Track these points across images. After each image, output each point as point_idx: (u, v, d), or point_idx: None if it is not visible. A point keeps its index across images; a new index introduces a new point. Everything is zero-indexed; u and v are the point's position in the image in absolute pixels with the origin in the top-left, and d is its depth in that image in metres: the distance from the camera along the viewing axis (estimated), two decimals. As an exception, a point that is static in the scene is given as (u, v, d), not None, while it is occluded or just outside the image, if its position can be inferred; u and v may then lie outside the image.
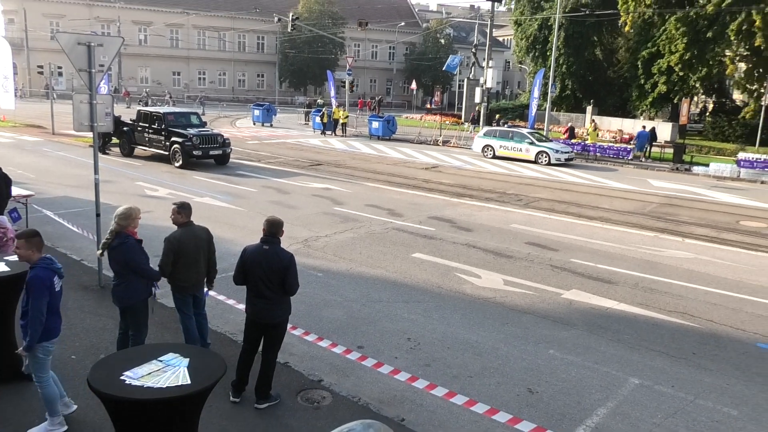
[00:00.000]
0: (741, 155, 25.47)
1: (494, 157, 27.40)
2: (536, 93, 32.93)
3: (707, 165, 25.89)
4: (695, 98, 44.17)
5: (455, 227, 14.12)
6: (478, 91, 36.70)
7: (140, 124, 22.76)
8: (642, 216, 16.40)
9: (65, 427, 5.36)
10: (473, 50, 43.50)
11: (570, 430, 6.00)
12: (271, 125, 40.62)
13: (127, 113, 28.21)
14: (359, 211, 15.33)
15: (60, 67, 50.38)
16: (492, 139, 27.96)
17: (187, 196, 15.35)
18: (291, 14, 42.11)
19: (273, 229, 5.88)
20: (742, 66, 35.42)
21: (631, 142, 30.13)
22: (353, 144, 31.77)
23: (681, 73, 34.71)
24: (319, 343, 7.50)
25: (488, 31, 36.72)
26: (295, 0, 65.97)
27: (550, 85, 33.34)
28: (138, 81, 64.41)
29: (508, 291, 9.89)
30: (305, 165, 23.35)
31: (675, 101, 37.85)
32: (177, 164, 21.05)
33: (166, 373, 4.43)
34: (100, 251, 6.16)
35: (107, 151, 23.57)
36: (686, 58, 33.97)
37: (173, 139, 21.25)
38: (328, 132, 36.15)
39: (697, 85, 35.49)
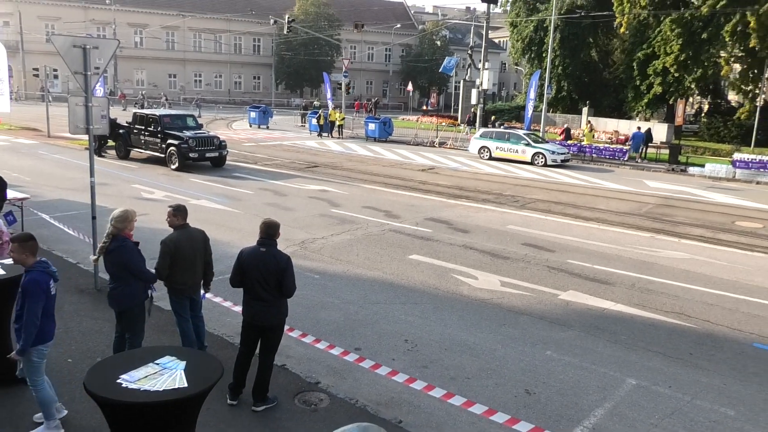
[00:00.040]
0: (736, 156, 25.55)
1: (491, 158, 27.44)
2: (532, 94, 32.99)
3: (703, 166, 25.97)
4: (690, 99, 44.32)
5: (452, 229, 14.12)
6: (474, 92, 36.77)
7: (136, 126, 22.73)
8: (638, 217, 16.44)
9: (62, 431, 5.33)
10: (469, 52, 43.64)
11: (567, 431, 6.00)
12: (268, 127, 40.58)
13: (123, 116, 28.17)
14: (356, 212, 15.33)
15: (55, 70, 50.43)
16: (488, 140, 28.00)
17: (184, 199, 15.33)
18: (287, 16, 42.14)
19: (270, 231, 5.88)
20: (737, 67, 35.58)
21: (627, 143, 30.19)
22: (350, 146, 31.77)
23: (676, 74, 34.82)
24: (317, 345, 7.49)
25: (484, 32, 36.80)
26: (291, 2, 65.98)
27: (546, 86, 33.40)
28: (134, 83, 64.31)
29: (505, 292, 9.89)
30: (302, 167, 23.34)
31: (670, 102, 37.97)
32: (173, 167, 21.02)
33: (163, 376, 4.42)
34: (97, 256, 6.10)
35: (103, 154, 23.52)
36: (681, 59, 34.08)
37: (169, 141, 21.22)
38: (325, 134, 36.15)
39: (693, 86, 35.60)
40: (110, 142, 23.89)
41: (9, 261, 6.02)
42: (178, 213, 6.52)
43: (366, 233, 13.33)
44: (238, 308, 6.46)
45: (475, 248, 12.46)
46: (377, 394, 6.52)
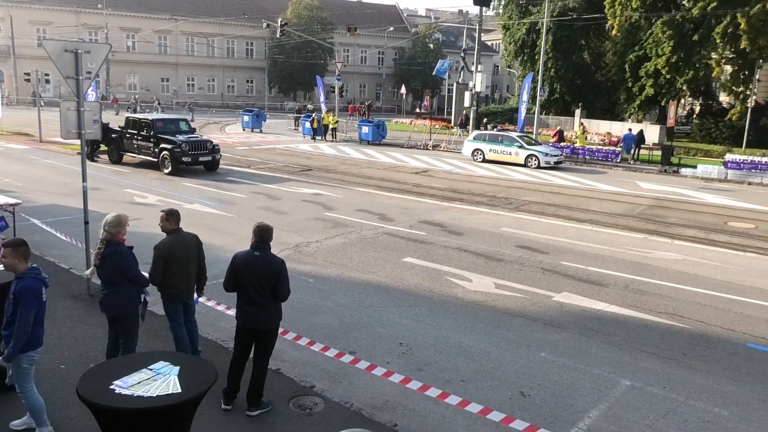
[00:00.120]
0: (728, 157, 25.69)
1: (484, 160, 27.49)
2: (525, 97, 33.09)
3: (695, 167, 26.11)
4: (682, 101, 44.50)
5: (446, 231, 14.13)
6: (467, 95, 36.85)
7: (129, 130, 22.65)
8: (631, 218, 16.50)
9: (54, 438, 5.30)
10: (462, 55, 43.73)
11: (562, 432, 6.01)
12: (261, 131, 40.53)
13: (116, 120, 28.08)
14: (350, 216, 15.32)
15: (47, 75, 50.21)
16: (482, 143, 28.05)
17: (177, 203, 15.29)
18: (280, 20, 42.12)
19: (264, 235, 5.87)
20: (728, 69, 35.74)
21: (619, 145, 30.32)
22: (343, 149, 31.76)
23: (668, 76, 34.99)
24: (311, 349, 7.47)
25: (477, 35, 36.89)
26: (284, 5, 66.00)
27: (538, 88, 33.52)
28: (126, 88, 64.13)
29: (499, 294, 9.90)
30: (295, 170, 23.32)
31: (662, 104, 38.14)
32: (166, 171, 20.96)
33: (157, 381, 4.40)
34: (93, 265, 6.01)
35: (96, 159, 23.44)
36: (673, 61, 34.26)
37: (162, 145, 21.16)
38: (318, 137, 36.13)
39: (684, 87, 35.77)
40: (103, 147, 23.80)
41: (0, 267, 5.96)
42: (171, 217, 6.50)
43: (360, 236, 13.32)
44: (232, 312, 6.44)
45: (469, 250, 12.47)
46: (372, 398, 6.51)
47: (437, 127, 41.79)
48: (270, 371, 6.30)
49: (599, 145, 33.11)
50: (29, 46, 54.81)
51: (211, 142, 22.32)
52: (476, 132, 30.61)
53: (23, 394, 5.17)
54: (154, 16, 63.76)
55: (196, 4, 67.47)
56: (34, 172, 20.43)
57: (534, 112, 34.19)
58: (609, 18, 36.43)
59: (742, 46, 31.80)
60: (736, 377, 7.29)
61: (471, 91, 36.21)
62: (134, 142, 22.40)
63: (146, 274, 6.27)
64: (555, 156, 26.58)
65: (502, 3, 45.65)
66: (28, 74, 35.99)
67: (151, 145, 21.61)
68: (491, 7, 44.09)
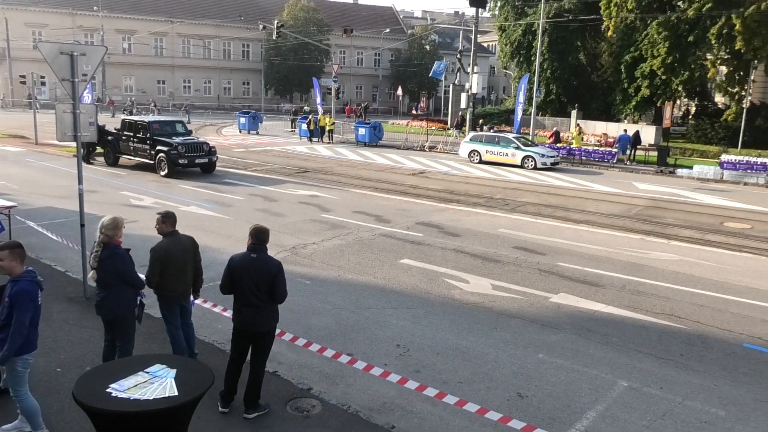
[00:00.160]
0: (724, 157, 25.76)
1: (481, 162, 27.51)
2: (521, 98, 33.13)
3: (691, 167, 26.17)
4: (678, 101, 44.58)
5: (443, 232, 14.13)
6: (463, 96, 36.88)
7: (125, 133, 22.60)
8: (628, 219, 16.53)
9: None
10: (458, 56, 43.80)
11: (560, 433, 6.00)
12: (257, 133, 40.51)
13: (112, 122, 28.02)
14: (347, 217, 15.31)
15: (43, 77, 50.06)
16: (478, 144, 28.08)
17: (173, 205, 15.25)
18: (276, 22, 42.11)
19: (261, 237, 5.86)
20: (723, 69, 35.83)
21: (615, 146, 30.39)
22: (340, 151, 31.76)
23: (663, 77, 35.07)
24: (308, 351, 7.45)
25: (473, 36, 36.95)
26: (280, 7, 66.00)
27: (534, 89, 33.56)
28: (122, 90, 64.02)
29: (496, 296, 9.90)
30: (292, 172, 23.30)
31: (658, 105, 38.23)
32: (162, 173, 20.92)
33: (153, 384, 4.39)
34: (93, 270, 5.97)
35: (92, 161, 23.37)
36: (668, 62, 34.34)
37: (158, 147, 21.12)
38: (315, 139, 36.12)
39: (680, 88, 35.85)
40: (99, 149, 23.75)
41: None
42: (167, 220, 6.48)
43: (357, 238, 13.31)
44: (229, 314, 6.43)
45: (466, 252, 12.48)
46: (370, 400, 6.50)
47: (434, 128, 41.83)
48: (267, 373, 6.29)
49: (595, 146, 33.18)
50: (25, 48, 54.70)
51: (208, 144, 22.30)
52: (473, 133, 30.64)
53: (17, 397, 5.15)
54: (150, 18, 63.71)
55: (192, 6, 67.42)
56: (29, 175, 20.37)
57: (530, 114, 34.24)
58: (604, 19, 36.49)
59: (737, 47, 31.89)
60: (733, 377, 7.30)
61: (467, 92, 36.23)
62: (130, 144, 22.36)
63: (143, 277, 6.26)
64: (551, 157, 26.61)
65: (498, 4, 45.69)
66: (23, 77, 35.90)
67: (148, 147, 21.57)
68: (487, 8, 44.16)
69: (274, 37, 43.80)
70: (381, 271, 10.98)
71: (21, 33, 57.24)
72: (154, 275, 6.31)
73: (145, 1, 65.08)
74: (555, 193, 20.46)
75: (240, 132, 40.90)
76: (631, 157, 29.56)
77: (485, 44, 79.23)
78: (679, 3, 34.30)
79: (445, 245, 12.95)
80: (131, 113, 43.77)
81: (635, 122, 39.74)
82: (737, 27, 31.11)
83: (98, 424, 4.24)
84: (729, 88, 34.72)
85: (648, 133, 34.72)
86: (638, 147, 30.07)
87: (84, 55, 8.48)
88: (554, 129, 34.30)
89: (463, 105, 37.36)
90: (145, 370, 4.58)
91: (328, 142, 35.74)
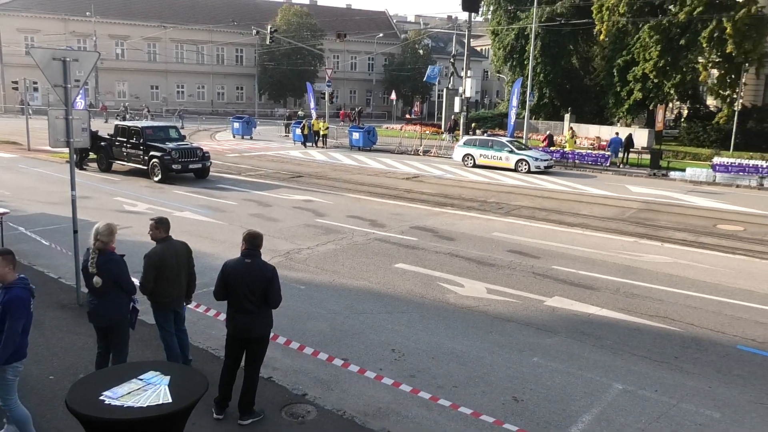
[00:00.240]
0: (716, 160, 25.89)
1: (475, 166, 27.56)
2: (515, 102, 33.23)
3: (684, 170, 26.29)
4: (670, 104, 44.85)
5: (437, 237, 14.14)
6: (457, 100, 36.93)
7: (118, 138, 22.54)
8: (621, 222, 16.57)
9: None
10: (451, 60, 43.82)
11: (556, 437, 6.00)
12: (251, 138, 40.47)
13: (105, 128, 27.93)
14: (341, 222, 15.30)
15: (35, 83, 49.91)
16: (472, 148, 28.12)
17: (167, 211, 15.21)
18: (269, 27, 42.19)
19: (255, 242, 5.85)
20: (715, 72, 36.07)
21: (607, 149, 30.50)
22: (334, 155, 31.76)
23: (656, 80, 35.26)
24: (303, 356, 7.43)
25: (466, 41, 37.05)
26: (274, 12, 66.04)
27: (528, 93, 33.70)
28: (115, 95, 63.85)
29: (491, 299, 9.91)
30: (286, 177, 23.28)
31: (650, 108, 38.42)
32: (156, 179, 20.86)
33: (147, 391, 4.36)
34: (94, 274, 5.90)
35: (85, 167, 23.29)
36: (660, 65, 34.54)
37: (152, 153, 21.06)
38: (309, 144, 36.10)
39: (672, 91, 36.06)
40: (92, 155, 23.67)
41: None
42: (161, 225, 6.46)
43: (351, 242, 13.30)
44: (223, 319, 6.39)
45: (460, 256, 12.48)
46: (365, 405, 6.48)
47: (428, 132, 41.86)
48: (262, 379, 6.26)
49: (589, 149, 33.28)
50: (17, 54, 54.52)
51: (201, 149, 22.25)
52: (466, 137, 30.70)
53: (7, 406, 5.10)
54: (143, 23, 63.60)
55: (185, 12, 67.36)
56: (22, 181, 20.27)
57: (524, 117, 34.34)
58: (597, 23, 36.71)
59: (728, 50, 32.14)
60: (727, 379, 7.32)
61: (461, 96, 36.30)
62: (124, 150, 22.29)
63: (137, 283, 6.23)
64: (545, 160, 26.68)
65: (491, 9, 45.87)
66: (15, 82, 35.81)
67: (141, 152, 21.51)
68: (480, 12, 44.33)
69: (267, 42, 43.90)
70: (376, 276, 10.97)
71: (13, 38, 57.07)
72: (149, 281, 6.28)
73: (138, 7, 65.01)
74: (549, 196, 20.50)
75: (234, 137, 40.83)
76: (624, 160, 29.68)
77: (478, 48, 79.47)
78: (671, 7, 34.50)
79: (440, 249, 12.95)
80: (124, 119, 43.66)
81: (628, 125, 39.91)
82: (728, 30, 31.37)
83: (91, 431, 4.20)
84: (720, 91, 34.96)
85: (641, 136, 34.86)
86: (631, 150, 30.19)
87: (76, 60, 8.45)
88: (548, 132, 34.38)
89: (456, 109, 37.41)
90: (139, 377, 4.54)
91: (322, 147, 35.73)
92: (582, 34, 41.88)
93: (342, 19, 66.59)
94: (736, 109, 32.30)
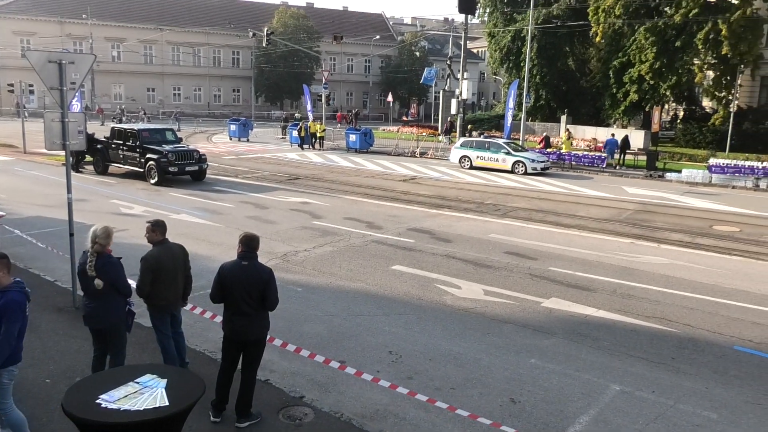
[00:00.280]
0: (712, 161, 25.97)
1: (471, 167, 27.58)
2: (511, 103, 33.27)
3: (680, 171, 26.36)
4: (666, 106, 44.91)
5: (434, 238, 14.14)
6: (454, 102, 37.01)
7: (114, 141, 22.50)
8: (618, 223, 16.60)
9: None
10: (448, 62, 43.94)
11: (553, 439, 6.00)
12: (248, 140, 40.45)
13: (101, 130, 27.89)
14: (338, 224, 15.29)
15: (31, 85, 49.77)
16: (469, 149, 28.16)
17: (163, 213, 15.19)
18: (266, 29, 42.18)
19: (251, 244, 5.85)
20: (711, 74, 36.20)
21: (603, 150, 30.58)
22: (331, 157, 31.76)
23: (651, 82, 35.37)
24: (300, 358, 7.42)
25: (462, 43, 37.13)
26: (270, 14, 66.04)
27: (524, 95, 33.72)
28: (112, 98, 63.75)
29: (488, 301, 9.91)
30: (283, 179, 23.27)
31: (647, 109, 38.53)
32: (152, 181, 20.82)
33: (144, 395, 4.35)
34: (95, 278, 5.90)
35: (81, 170, 23.24)
36: (656, 67, 34.65)
37: (148, 155, 21.03)
38: (306, 146, 36.10)
39: (668, 93, 36.17)
40: (88, 158, 23.62)
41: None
42: (157, 228, 6.45)
43: (348, 245, 13.29)
44: (221, 321, 6.38)
45: (457, 257, 12.49)
46: (362, 407, 6.47)
47: (424, 134, 41.91)
48: (259, 382, 6.25)
49: (585, 150, 33.35)
50: (13, 56, 54.38)
51: (198, 151, 22.23)
52: (463, 139, 30.74)
53: (2, 410, 5.08)
54: (139, 25, 63.54)
55: (181, 14, 67.35)
56: (18, 184, 20.22)
57: (520, 119, 34.39)
58: (593, 25, 36.79)
59: (723, 52, 32.26)
60: (724, 380, 7.33)
61: (458, 98, 36.37)
62: (120, 152, 22.25)
63: (133, 285, 6.22)
64: (542, 162, 26.72)
65: (487, 11, 45.92)
66: (11, 85, 35.68)
67: (137, 155, 21.47)
68: (476, 15, 44.40)
69: (264, 45, 43.81)
70: (373, 278, 10.96)
71: (9, 41, 56.96)
72: (146, 284, 6.27)
73: (134, 9, 64.97)
74: (546, 198, 20.53)
75: (230, 139, 40.81)
76: (621, 162, 29.75)
77: (475, 50, 79.59)
78: (666, 9, 34.63)
79: (437, 251, 12.96)
80: (121, 121, 43.61)
81: (624, 127, 40.00)
82: (723, 32, 31.49)
83: (88, 435, 4.19)
84: (716, 93, 35.08)
85: (637, 138, 34.97)
86: (627, 151, 30.26)
87: (72, 63, 8.44)
88: (544, 134, 34.43)
89: (453, 111, 37.49)
90: (136, 380, 4.53)
91: (319, 149, 35.73)
92: (578, 36, 41.98)
93: (338, 21, 66.58)
94: (731, 110, 32.42)
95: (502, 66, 46.23)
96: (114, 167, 22.99)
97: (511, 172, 26.36)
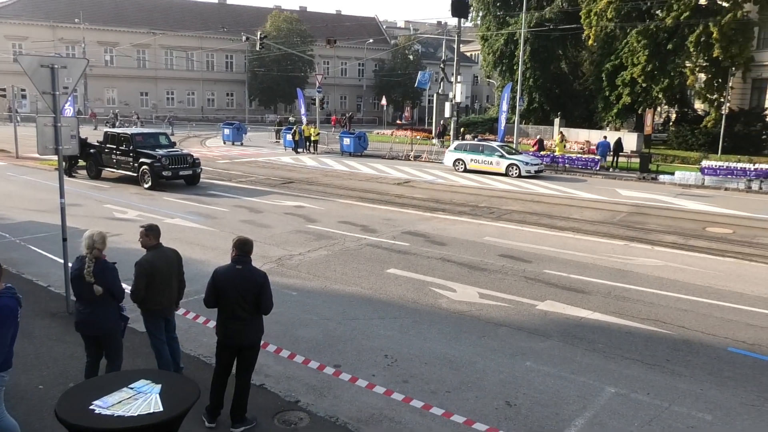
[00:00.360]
0: (704, 163, 26.09)
1: (465, 170, 27.62)
2: (505, 106, 33.36)
3: (673, 173, 26.47)
4: (659, 108, 45.14)
5: (429, 241, 14.14)
6: (447, 105, 37.08)
7: (108, 145, 22.43)
8: (612, 225, 16.65)
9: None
10: (441, 66, 44.01)
11: (549, 441, 6.00)
12: (242, 144, 40.40)
13: (94, 135, 27.79)
14: (333, 228, 15.28)
15: (23, 90, 49.46)
16: (463, 153, 28.20)
17: (157, 218, 15.13)
18: (259, 33, 42.12)
19: (245, 248, 5.83)
20: (702, 76, 36.41)
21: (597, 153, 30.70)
22: (325, 161, 31.74)
23: (644, 85, 35.54)
24: (295, 363, 7.40)
25: (456, 46, 37.21)
26: (263, 18, 66.04)
27: (518, 98, 33.81)
28: (105, 102, 63.58)
29: (483, 304, 9.91)
30: (277, 183, 23.23)
31: (639, 112, 38.71)
32: (146, 185, 20.76)
33: (138, 400, 4.32)
34: (96, 285, 5.87)
35: (74, 174, 23.15)
36: (648, 69, 34.82)
37: (142, 160, 20.96)
38: (300, 150, 36.08)
39: (660, 95, 36.34)
40: (81, 162, 23.53)
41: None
42: (151, 233, 6.42)
43: (343, 248, 13.28)
44: (214, 326, 6.36)
45: (452, 261, 12.49)
46: (358, 411, 6.46)
47: (418, 137, 41.97)
48: (254, 386, 6.22)
49: (578, 153, 33.46)
50: (5, 61, 54.14)
51: (192, 155, 22.18)
52: (457, 142, 30.79)
53: (-6, 416, 5.04)
54: (132, 29, 63.43)
55: (174, 18, 67.27)
56: (10, 189, 20.11)
57: (514, 122, 34.46)
58: (585, 28, 36.96)
59: (714, 55, 32.46)
60: (718, 382, 7.35)
61: (451, 101, 36.43)
62: (113, 156, 22.18)
63: (128, 290, 6.20)
64: (535, 165, 26.79)
65: (480, 14, 46.08)
66: (3, 90, 35.47)
67: (131, 159, 21.40)
68: (469, 18, 44.47)
69: (257, 48, 43.88)
70: (368, 282, 10.95)
71: (1, 45, 56.78)
72: (140, 289, 6.23)
73: (127, 13, 64.86)
74: (540, 200, 20.58)
75: (224, 143, 40.74)
76: (614, 164, 29.86)
77: (468, 54, 79.82)
78: (658, 12, 34.84)
79: (432, 254, 12.96)
80: (114, 125, 43.45)
81: (617, 129, 40.18)
82: (715, 35, 31.69)
83: (82, 442, 4.16)
84: (708, 95, 35.28)
85: (630, 140, 35.11)
86: (621, 154, 30.38)
87: (65, 67, 8.41)
88: (538, 137, 34.55)
89: (447, 114, 37.54)
90: (130, 385, 4.51)
91: (313, 153, 35.72)
92: (571, 39, 42.18)
93: (332, 25, 66.64)
94: (723, 112, 32.60)
95: (495, 69, 46.37)
96: (107, 172, 22.92)
97: (505, 175, 26.42)
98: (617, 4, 34.83)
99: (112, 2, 65.29)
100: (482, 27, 46.78)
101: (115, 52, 63.67)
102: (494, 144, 28.70)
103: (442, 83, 45.40)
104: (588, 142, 36.83)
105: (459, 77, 36.35)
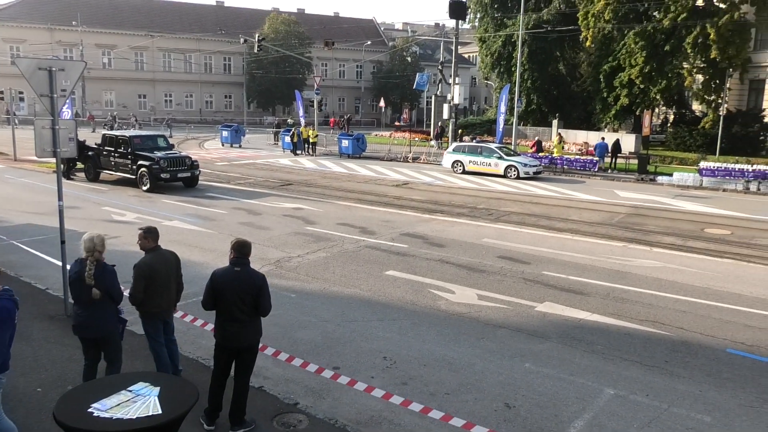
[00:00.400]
0: (702, 164, 26.12)
1: (464, 172, 27.63)
2: (503, 108, 33.40)
3: (671, 175, 26.50)
4: (656, 110, 45.17)
5: (428, 243, 14.14)
6: (445, 107, 37.10)
7: (106, 148, 22.40)
8: (610, 227, 16.66)
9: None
10: (439, 67, 44.04)
11: (548, 443, 6.00)
12: (240, 146, 40.39)
13: (93, 137, 27.78)
14: (331, 230, 15.27)
15: (21, 92, 49.57)
16: (461, 154, 28.21)
17: (156, 220, 15.12)
18: (257, 35, 42.16)
19: (244, 250, 5.82)
20: (700, 78, 36.47)
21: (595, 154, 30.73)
22: (323, 163, 31.74)
23: (642, 86, 35.59)
24: (294, 365, 7.40)
25: (454, 48, 37.26)
26: (261, 21, 66.08)
27: (516, 100, 33.86)
28: (103, 104, 63.56)
29: (482, 306, 9.91)
30: (275, 185, 23.23)
31: (637, 113, 38.74)
32: (144, 188, 20.74)
33: (136, 403, 4.32)
34: (94, 288, 5.86)
35: (72, 177, 23.13)
36: (646, 71, 34.88)
37: (140, 162, 20.95)
38: (298, 151, 36.10)
39: (658, 97, 36.40)
40: (79, 165, 23.52)
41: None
42: (149, 235, 6.41)
43: (342, 250, 13.27)
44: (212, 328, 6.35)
45: (451, 262, 12.49)
46: (357, 413, 6.45)
47: (417, 139, 42.00)
48: (252, 389, 6.22)
49: (577, 154, 33.49)
50: (2, 63, 54.07)
51: (190, 158, 22.17)
52: (456, 144, 30.81)
53: (-8, 419, 5.03)
54: (130, 32, 63.44)
55: (172, 20, 67.29)
56: (8, 192, 20.09)
57: (512, 123, 34.51)
58: (583, 30, 37.00)
59: (712, 56, 32.52)
60: (717, 383, 7.35)
61: (449, 103, 36.47)
62: (111, 159, 22.16)
63: (126, 293, 6.19)
64: (534, 166, 26.81)
65: (478, 16, 46.13)
66: (1, 92, 35.51)
67: (129, 162, 21.39)
68: (467, 20, 44.53)
69: (255, 51, 43.86)
70: (366, 284, 10.95)
71: (-1, 48, 56.73)
72: (139, 292, 6.23)
73: (124, 16, 64.87)
74: (538, 202, 20.59)
75: (222, 145, 40.73)
76: (612, 166, 29.89)
77: (466, 55, 79.90)
78: (655, 13, 34.90)
79: (430, 256, 12.96)
80: (112, 128, 43.44)
81: (615, 131, 40.23)
82: (712, 36, 31.75)
83: (80, 445, 4.15)
84: (705, 96, 35.34)
85: (628, 142, 35.15)
86: (619, 155, 30.42)
87: (63, 70, 8.40)
88: (536, 138, 34.60)
89: (445, 116, 37.57)
90: (128, 388, 4.50)
91: (312, 155, 35.73)
92: (568, 40, 42.22)
93: (330, 27, 66.73)
94: (721, 113, 32.66)
95: (493, 71, 46.42)
96: (105, 174, 22.90)
97: (504, 176, 26.44)
98: (615, 5, 34.90)
99: (109, 5, 65.33)
100: (480, 29, 46.83)
101: (113, 55, 63.70)
102: (492, 145, 28.71)
103: (440, 85, 45.43)
104: (586, 143, 36.88)
105: (457, 79, 36.38)
